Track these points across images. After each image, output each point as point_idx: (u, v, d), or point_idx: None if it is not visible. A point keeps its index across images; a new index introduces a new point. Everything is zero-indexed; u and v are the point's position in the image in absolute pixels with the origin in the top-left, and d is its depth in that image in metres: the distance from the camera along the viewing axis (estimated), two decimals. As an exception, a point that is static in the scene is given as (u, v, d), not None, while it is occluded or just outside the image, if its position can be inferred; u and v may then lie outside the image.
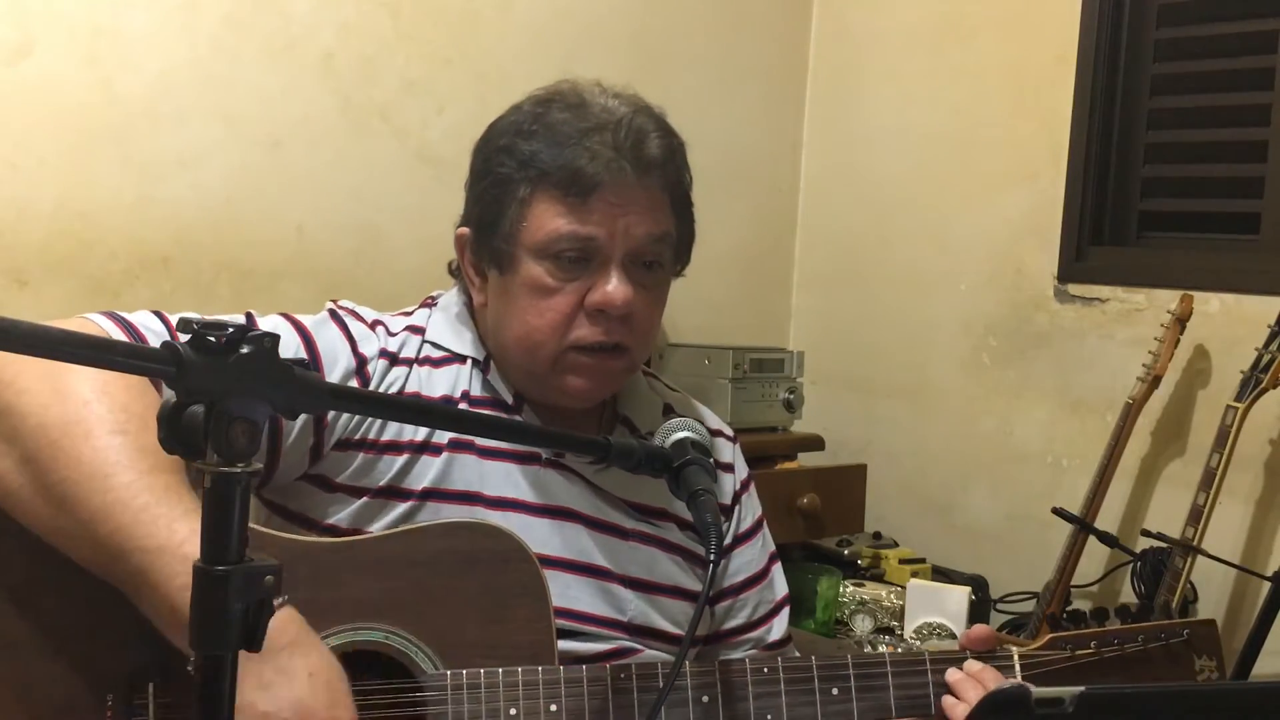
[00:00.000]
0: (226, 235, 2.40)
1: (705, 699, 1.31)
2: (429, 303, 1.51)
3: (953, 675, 1.35)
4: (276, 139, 2.44)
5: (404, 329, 1.44)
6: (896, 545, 2.92)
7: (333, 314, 1.42)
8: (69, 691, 1.17)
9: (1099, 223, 2.75)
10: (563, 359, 1.39)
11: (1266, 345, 2.28)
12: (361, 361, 1.38)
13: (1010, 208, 2.87)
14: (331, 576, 1.25)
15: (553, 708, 1.26)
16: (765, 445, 2.75)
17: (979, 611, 2.61)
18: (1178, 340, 2.44)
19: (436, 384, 1.42)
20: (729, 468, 1.57)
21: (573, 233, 1.36)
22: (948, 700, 1.34)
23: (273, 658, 1.10)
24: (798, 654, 1.51)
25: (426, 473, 1.37)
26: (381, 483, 1.36)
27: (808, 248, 3.30)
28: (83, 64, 2.23)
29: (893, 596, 2.63)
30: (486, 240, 1.41)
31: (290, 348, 1.33)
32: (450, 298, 1.51)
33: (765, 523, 1.61)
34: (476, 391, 1.44)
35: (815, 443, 2.90)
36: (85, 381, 1.16)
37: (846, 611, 2.65)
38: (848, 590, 2.67)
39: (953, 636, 2.42)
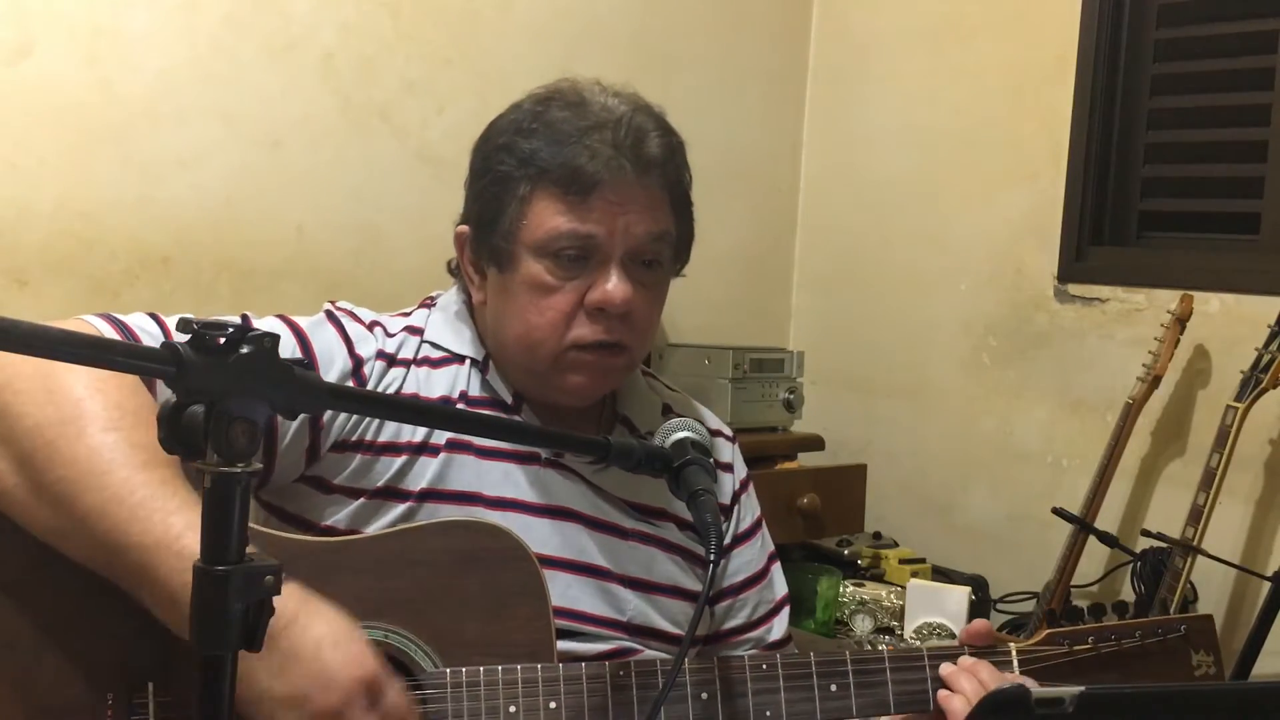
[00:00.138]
0: (226, 235, 2.40)
1: (704, 696, 1.31)
2: (428, 303, 1.51)
3: (946, 669, 1.35)
4: (276, 139, 2.45)
5: (402, 330, 1.44)
6: (896, 545, 2.92)
7: (330, 315, 1.42)
8: (69, 690, 1.17)
9: (1099, 223, 2.75)
10: (563, 358, 1.39)
11: (1266, 345, 2.28)
12: (358, 363, 1.38)
13: (1010, 208, 2.87)
14: (330, 576, 1.25)
15: (552, 705, 1.26)
16: (765, 445, 2.75)
17: (979, 611, 2.61)
18: (1178, 340, 2.44)
19: (435, 385, 1.42)
20: (728, 468, 1.57)
21: (572, 231, 1.36)
22: (942, 693, 1.34)
23: (277, 640, 1.10)
24: (797, 654, 1.51)
25: (424, 473, 1.37)
26: (379, 484, 1.36)
27: (808, 248, 3.30)
28: (83, 64, 2.23)
29: (893, 596, 2.63)
30: (486, 238, 1.41)
31: (286, 349, 1.33)
32: (449, 297, 1.51)
33: (764, 522, 1.61)
34: (475, 392, 1.44)
35: (815, 443, 2.90)
36: (79, 380, 1.16)
37: (846, 611, 2.65)
38: (848, 590, 2.67)
39: (952, 636, 2.42)
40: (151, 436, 0.85)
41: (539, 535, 1.37)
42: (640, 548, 1.46)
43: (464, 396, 1.43)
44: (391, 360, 1.41)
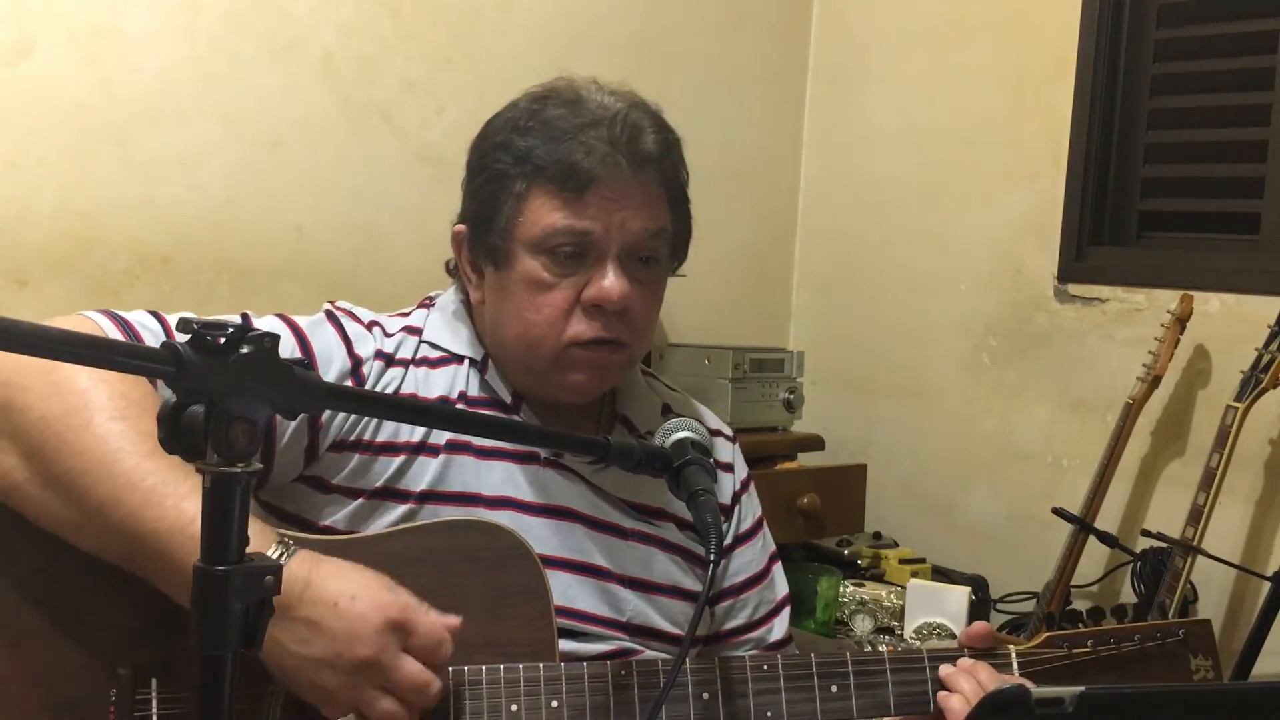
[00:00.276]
0: (226, 235, 2.40)
1: (705, 696, 1.31)
2: (426, 303, 1.51)
3: (945, 670, 1.36)
4: (276, 139, 2.45)
5: (400, 330, 1.44)
6: (896, 545, 2.92)
7: (329, 315, 1.42)
8: (73, 687, 1.17)
9: (1099, 223, 2.75)
10: (562, 355, 1.39)
11: (1266, 345, 2.28)
12: (357, 362, 1.38)
13: (1010, 208, 2.87)
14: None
15: (554, 704, 1.26)
16: (765, 445, 2.75)
17: (979, 611, 2.61)
18: (1178, 340, 2.44)
19: (433, 385, 1.42)
20: (729, 468, 1.57)
21: (568, 227, 1.36)
22: (941, 693, 1.35)
23: (295, 609, 1.11)
24: (798, 654, 1.51)
25: (424, 474, 1.37)
26: (378, 484, 1.36)
27: (808, 248, 3.30)
28: (83, 64, 2.23)
29: (893, 596, 2.63)
30: (483, 236, 1.41)
31: (285, 349, 1.33)
32: (448, 297, 1.51)
33: (765, 523, 1.61)
34: (474, 392, 1.44)
35: (815, 443, 2.90)
36: (82, 372, 1.17)
37: (846, 611, 2.65)
38: (848, 590, 2.67)
39: (952, 636, 2.42)
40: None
41: (538, 535, 1.37)
42: (640, 548, 1.46)
43: (463, 396, 1.43)
44: (390, 360, 1.41)
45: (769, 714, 1.32)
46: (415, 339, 1.44)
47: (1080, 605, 2.57)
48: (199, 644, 0.85)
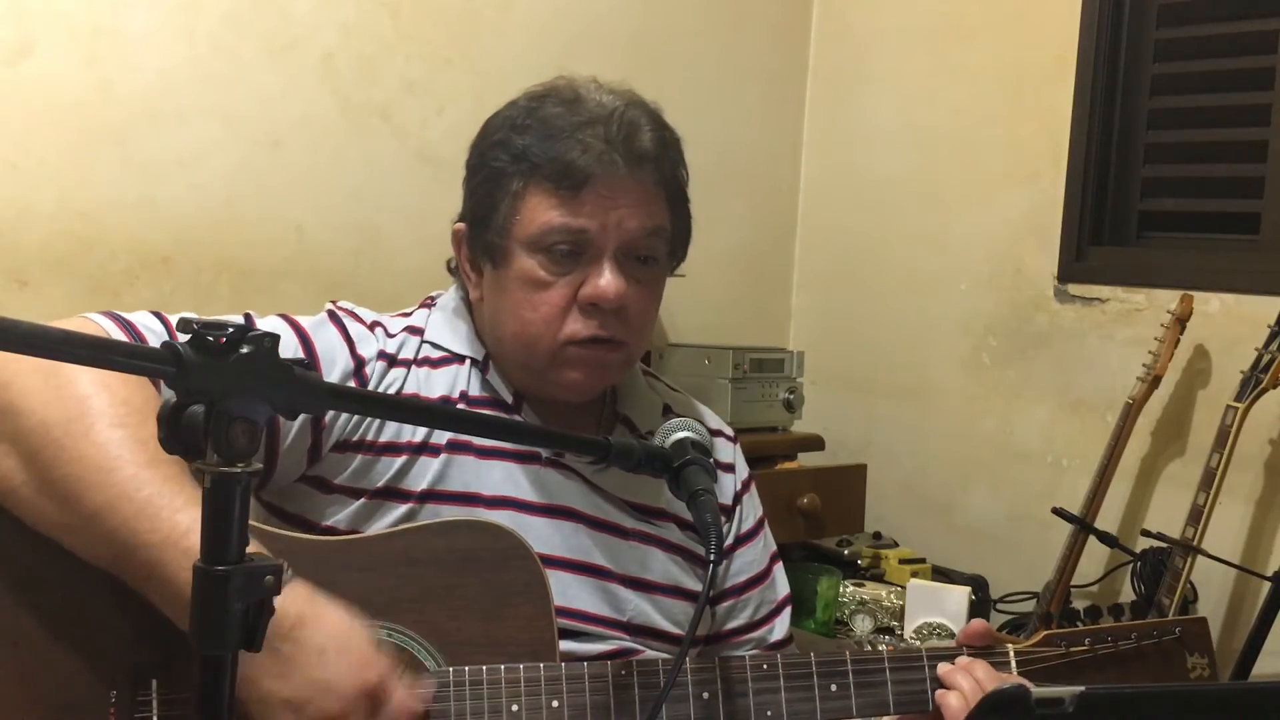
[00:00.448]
0: (226, 235, 2.40)
1: (705, 695, 1.31)
2: (428, 303, 1.52)
3: (943, 668, 1.36)
4: (276, 139, 2.45)
5: (402, 330, 1.44)
6: (896, 545, 2.92)
7: (331, 315, 1.42)
8: (73, 687, 1.17)
9: (1099, 223, 2.75)
10: (559, 354, 1.39)
11: (1266, 345, 2.28)
12: (360, 363, 1.38)
13: (1010, 208, 2.87)
14: (332, 575, 1.25)
15: (554, 704, 1.26)
16: (765, 445, 2.75)
17: (979, 612, 2.61)
18: (1178, 340, 2.44)
19: (435, 385, 1.42)
20: (729, 468, 1.57)
21: (564, 225, 1.36)
22: (939, 691, 1.35)
23: (283, 642, 1.10)
24: (798, 653, 1.51)
25: (425, 474, 1.37)
26: (379, 484, 1.36)
27: (808, 248, 3.30)
28: (83, 64, 2.23)
29: (893, 596, 2.63)
30: (481, 234, 1.41)
31: (288, 349, 1.33)
32: (448, 297, 1.51)
33: (766, 523, 1.61)
34: (475, 391, 1.44)
35: (815, 443, 2.90)
36: (84, 377, 1.17)
37: (846, 611, 2.65)
38: (848, 590, 2.67)
39: (952, 636, 2.42)
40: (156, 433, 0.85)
41: (539, 535, 1.37)
42: (641, 548, 1.46)
43: (464, 396, 1.43)
44: (392, 360, 1.41)
45: (769, 713, 1.32)
46: (417, 339, 1.44)
47: (1079, 605, 2.58)
48: (199, 644, 0.85)
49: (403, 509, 1.36)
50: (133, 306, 1.33)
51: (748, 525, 1.57)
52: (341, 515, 1.36)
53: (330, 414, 1.34)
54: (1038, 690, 0.92)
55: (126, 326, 1.27)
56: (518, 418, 1.44)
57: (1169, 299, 2.49)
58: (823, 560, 2.81)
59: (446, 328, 1.47)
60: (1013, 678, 1.37)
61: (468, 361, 1.44)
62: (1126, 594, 2.54)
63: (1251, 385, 2.27)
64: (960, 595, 2.50)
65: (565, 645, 1.33)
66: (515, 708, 1.25)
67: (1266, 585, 2.23)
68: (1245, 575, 2.40)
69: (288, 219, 2.48)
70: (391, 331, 1.44)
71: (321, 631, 1.13)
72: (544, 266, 1.37)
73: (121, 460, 1.14)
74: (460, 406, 1.41)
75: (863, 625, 2.62)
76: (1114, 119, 2.73)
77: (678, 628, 1.45)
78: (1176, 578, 2.28)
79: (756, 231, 3.21)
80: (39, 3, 2.19)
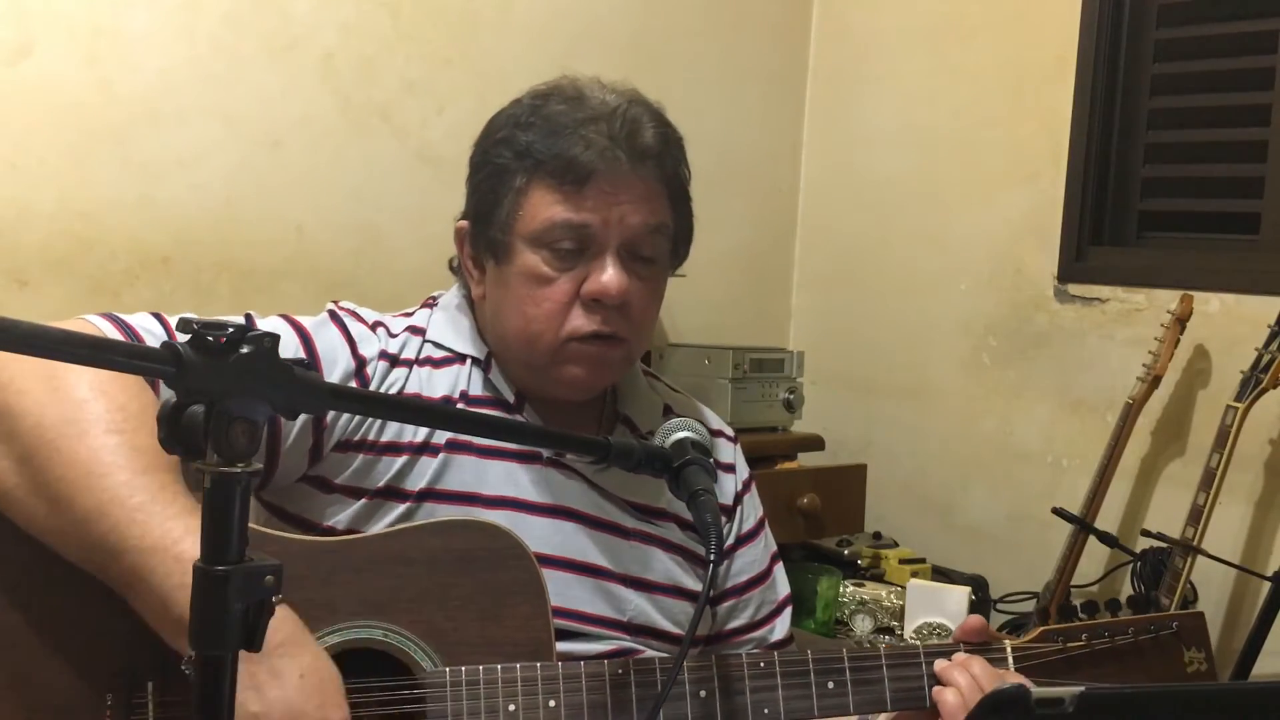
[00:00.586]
0: (226, 235, 2.40)
1: (703, 693, 1.31)
2: (430, 303, 1.52)
3: (940, 664, 1.36)
4: (276, 139, 2.45)
5: (404, 330, 1.44)
6: (896, 545, 2.92)
7: (333, 315, 1.42)
8: (68, 690, 1.17)
9: (1099, 223, 2.76)
10: (561, 350, 1.39)
11: (1266, 345, 2.28)
12: (361, 363, 1.38)
13: (1010, 208, 2.87)
14: (330, 575, 1.25)
15: (551, 703, 1.26)
16: (765, 445, 2.75)
17: (979, 611, 2.61)
18: (1178, 340, 2.44)
19: (437, 385, 1.42)
20: (730, 468, 1.57)
21: (567, 221, 1.36)
22: (936, 688, 1.35)
23: (265, 658, 1.11)
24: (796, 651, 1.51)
25: (424, 474, 1.37)
26: (380, 484, 1.36)
27: (808, 248, 3.30)
28: (83, 64, 2.23)
29: (893, 596, 2.63)
30: (484, 231, 1.41)
31: (289, 349, 1.33)
32: (450, 296, 1.51)
33: (767, 523, 1.61)
34: (476, 391, 1.43)
35: (815, 443, 2.90)
36: (82, 381, 1.17)
37: (846, 611, 2.65)
38: (848, 590, 2.67)
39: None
40: (154, 440, 0.85)
41: (539, 534, 1.37)
42: (641, 548, 1.46)
43: (464, 396, 1.43)
44: (394, 361, 1.41)
45: (766, 711, 1.32)
46: (419, 339, 1.44)
47: (1075, 603, 2.58)
48: (198, 644, 0.85)
49: (401, 508, 1.36)
50: (133, 307, 1.33)
51: (748, 525, 1.57)
52: (342, 516, 1.36)
53: (331, 414, 1.34)
54: (1037, 690, 0.92)
55: (124, 328, 1.27)
56: (519, 417, 1.44)
57: (1169, 299, 2.49)
58: (823, 560, 2.81)
59: (449, 327, 1.47)
60: (1009, 674, 1.37)
61: (469, 361, 1.44)
62: (1126, 594, 2.54)
63: (1251, 385, 2.27)
64: (960, 595, 2.50)
65: (565, 646, 1.33)
66: (512, 707, 1.25)
67: (1266, 585, 2.24)
68: (1245, 575, 2.40)
69: (288, 219, 2.48)
70: (393, 331, 1.44)
71: (302, 661, 1.13)
72: (547, 262, 1.37)
73: (115, 466, 1.14)
74: (460, 406, 1.41)
75: (863, 625, 2.62)
76: (1114, 119, 2.73)
77: (678, 628, 1.45)
78: (1176, 578, 2.28)
79: (756, 231, 3.21)
80: (39, 3, 2.19)
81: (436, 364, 1.43)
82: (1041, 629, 1.41)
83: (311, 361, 1.34)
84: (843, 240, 3.21)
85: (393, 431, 1.37)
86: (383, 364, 1.40)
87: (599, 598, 1.41)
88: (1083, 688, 0.91)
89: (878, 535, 2.95)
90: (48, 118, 2.21)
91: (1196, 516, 2.27)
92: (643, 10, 2.93)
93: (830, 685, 1.34)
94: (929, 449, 3.02)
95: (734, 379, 2.70)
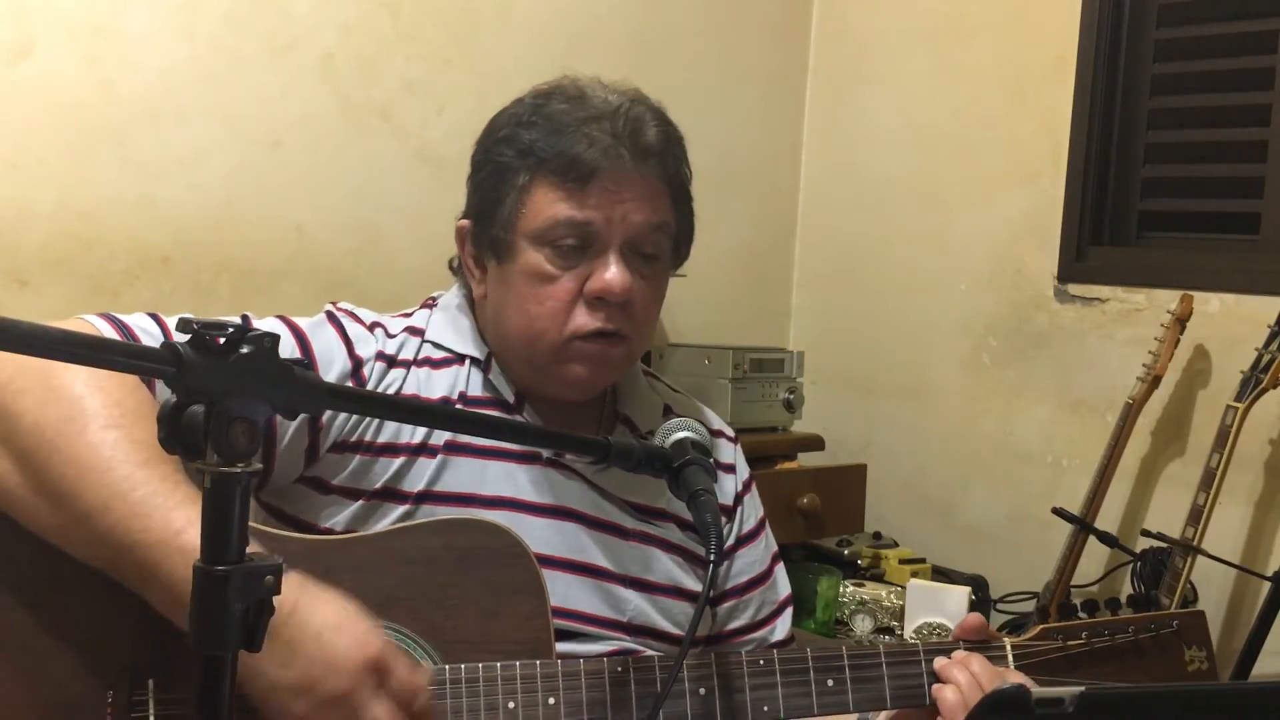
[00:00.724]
0: (226, 235, 2.40)
1: (702, 691, 1.31)
2: (429, 303, 1.51)
3: (939, 662, 1.36)
4: (276, 139, 2.45)
5: (403, 330, 1.44)
6: (896, 545, 2.92)
7: (330, 316, 1.42)
8: (70, 687, 1.17)
9: (1099, 223, 2.76)
10: (564, 348, 1.39)
11: (1266, 345, 2.28)
12: (358, 364, 1.38)
13: (1010, 208, 2.87)
14: (330, 574, 1.25)
15: (550, 701, 1.26)
16: (765, 445, 2.75)
17: (979, 611, 2.60)
18: (1178, 340, 2.44)
19: (435, 385, 1.42)
20: (730, 468, 1.57)
21: (570, 218, 1.36)
22: (935, 685, 1.35)
23: (280, 631, 1.10)
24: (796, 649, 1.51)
25: (422, 475, 1.37)
26: (378, 485, 1.36)
27: (808, 248, 3.30)
28: (83, 64, 2.23)
29: (893, 596, 2.63)
30: (486, 229, 1.41)
31: (286, 349, 1.33)
32: (450, 296, 1.51)
33: (767, 523, 1.61)
34: (475, 392, 1.43)
35: (815, 443, 2.90)
36: (78, 378, 1.17)
37: (846, 611, 2.65)
38: (848, 590, 2.67)
39: (953, 637, 2.42)
40: (151, 434, 0.85)
41: (539, 535, 1.37)
42: (641, 548, 1.46)
43: (463, 397, 1.42)
44: (392, 361, 1.41)
45: (766, 709, 1.32)
46: (418, 340, 1.44)
47: (1074, 601, 2.58)
48: (199, 644, 0.85)
49: (400, 510, 1.36)
50: (132, 307, 1.33)
51: (749, 526, 1.57)
52: (340, 517, 1.36)
53: (328, 414, 1.34)
54: (1038, 690, 0.91)
55: (122, 328, 1.27)
56: (519, 417, 1.44)
57: (1169, 299, 2.49)
58: (823, 560, 2.81)
59: (449, 327, 1.47)
60: (1009, 672, 1.37)
61: (468, 362, 1.44)
62: (1126, 594, 2.54)
63: (1251, 385, 2.27)
64: (960, 595, 2.50)
65: (565, 646, 1.33)
66: (512, 705, 1.25)
67: (1266, 585, 2.23)
68: (1245, 575, 2.40)
69: (288, 219, 2.48)
70: (391, 332, 1.43)
71: (317, 615, 1.13)
72: (550, 260, 1.37)
73: (115, 460, 1.14)
74: (458, 407, 1.41)
75: (863, 625, 2.62)
76: (1114, 119, 2.73)
77: (678, 628, 1.45)
78: (1176, 578, 2.28)
79: (756, 231, 3.21)
80: (39, 3, 2.19)
81: (435, 364, 1.43)
82: (1042, 627, 1.41)
83: (308, 362, 1.34)
84: (843, 240, 3.21)
85: (390, 432, 1.37)
86: (380, 364, 1.39)
87: (599, 598, 1.41)
88: (1083, 687, 0.91)
89: (878, 535, 2.95)
90: (48, 118, 2.21)
91: (1196, 516, 2.27)
92: (643, 10, 2.93)
93: (830, 683, 1.34)
94: (929, 449, 3.02)
95: (734, 379, 2.70)
